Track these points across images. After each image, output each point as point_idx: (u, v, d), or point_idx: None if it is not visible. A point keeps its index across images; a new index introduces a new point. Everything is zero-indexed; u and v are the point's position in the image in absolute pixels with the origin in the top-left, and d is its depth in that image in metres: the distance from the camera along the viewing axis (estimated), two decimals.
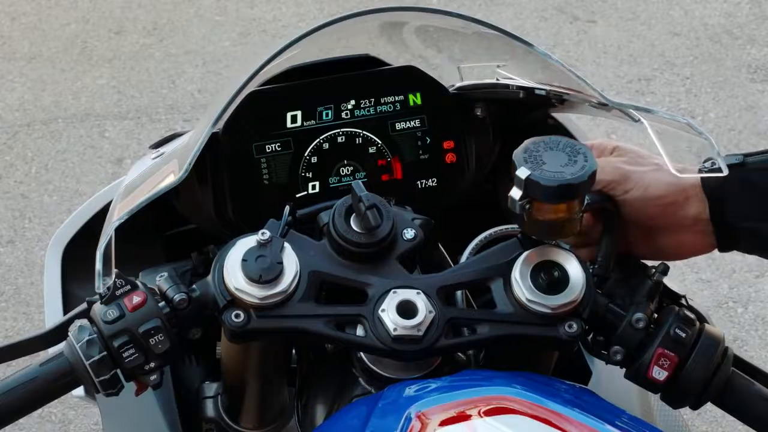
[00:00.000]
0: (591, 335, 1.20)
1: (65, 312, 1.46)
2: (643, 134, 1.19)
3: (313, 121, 1.33)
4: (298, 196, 1.33)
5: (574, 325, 1.14)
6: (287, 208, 1.18)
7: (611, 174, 1.19)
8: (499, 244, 1.19)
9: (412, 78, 1.36)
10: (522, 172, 1.10)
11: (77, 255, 1.50)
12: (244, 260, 1.12)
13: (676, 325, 1.16)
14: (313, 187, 1.33)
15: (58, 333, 1.20)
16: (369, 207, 1.14)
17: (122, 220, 1.14)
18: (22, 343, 1.22)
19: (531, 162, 1.11)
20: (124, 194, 1.27)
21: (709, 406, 1.19)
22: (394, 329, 1.12)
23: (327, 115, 1.34)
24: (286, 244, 1.14)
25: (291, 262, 1.13)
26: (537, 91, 1.29)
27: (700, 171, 1.18)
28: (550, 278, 1.15)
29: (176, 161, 1.21)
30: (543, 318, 1.14)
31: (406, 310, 1.13)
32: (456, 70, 1.43)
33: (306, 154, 1.33)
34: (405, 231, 1.18)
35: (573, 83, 1.23)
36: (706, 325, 1.18)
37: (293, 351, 1.31)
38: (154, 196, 1.15)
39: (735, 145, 3.59)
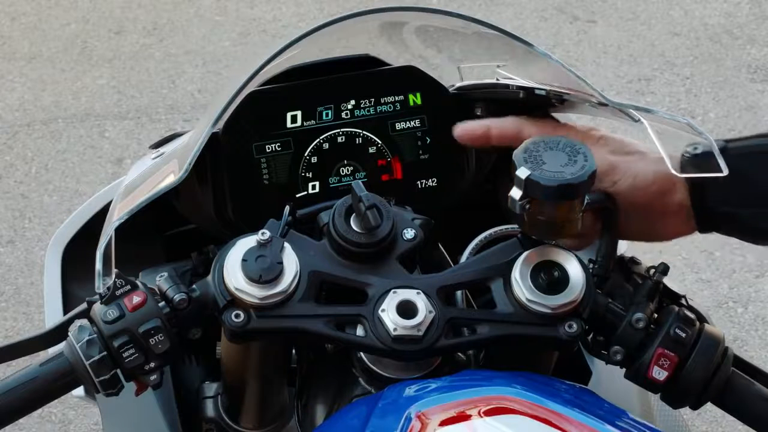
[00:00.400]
0: (591, 335, 1.20)
1: (65, 312, 1.46)
2: (643, 134, 1.19)
3: (313, 121, 1.33)
4: (298, 196, 1.32)
5: (574, 325, 1.14)
6: (287, 208, 1.18)
7: (599, 166, 1.19)
8: (499, 244, 1.19)
9: (412, 78, 1.36)
10: (522, 172, 1.10)
11: (77, 255, 1.50)
12: (244, 260, 1.12)
13: (676, 325, 1.16)
14: (313, 187, 1.33)
15: (58, 333, 1.20)
16: (369, 207, 1.14)
17: (122, 220, 1.14)
18: (22, 343, 1.22)
19: (531, 162, 1.11)
20: (124, 194, 1.27)
21: (709, 406, 1.19)
22: (394, 329, 1.12)
23: (327, 115, 1.34)
24: (286, 244, 1.14)
25: (291, 262, 1.13)
26: (537, 91, 1.28)
27: (700, 171, 1.18)
28: (550, 278, 1.15)
29: (176, 161, 1.21)
30: (543, 318, 1.14)
31: (406, 310, 1.13)
32: (456, 70, 1.42)
33: (306, 154, 1.33)
34: (405, 231, 1.18)
35: (573, 83, 1.23)
36: (706, 325, 1.18)
37: (293, 351, 1.32)
38: (154, 196, 1.15)
39: None
